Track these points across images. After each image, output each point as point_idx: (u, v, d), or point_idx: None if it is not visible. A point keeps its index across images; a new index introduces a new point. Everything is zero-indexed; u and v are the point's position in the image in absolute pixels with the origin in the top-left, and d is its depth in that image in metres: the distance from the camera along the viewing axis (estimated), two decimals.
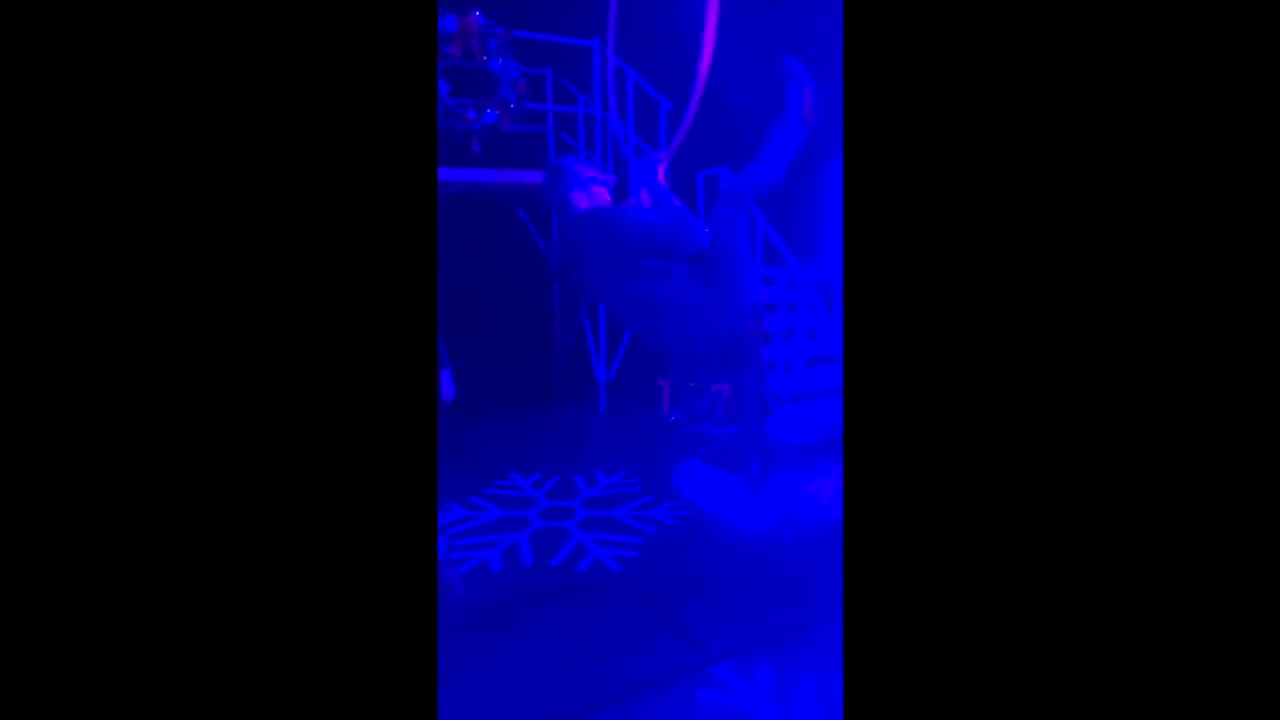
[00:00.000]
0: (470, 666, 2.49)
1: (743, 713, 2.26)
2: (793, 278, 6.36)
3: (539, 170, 5.75)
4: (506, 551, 3.38)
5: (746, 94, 6.23)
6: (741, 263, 2.39)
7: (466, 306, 4.40)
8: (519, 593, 3.04)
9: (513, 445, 5.01)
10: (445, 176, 5.15)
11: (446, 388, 2.73)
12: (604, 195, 2.53)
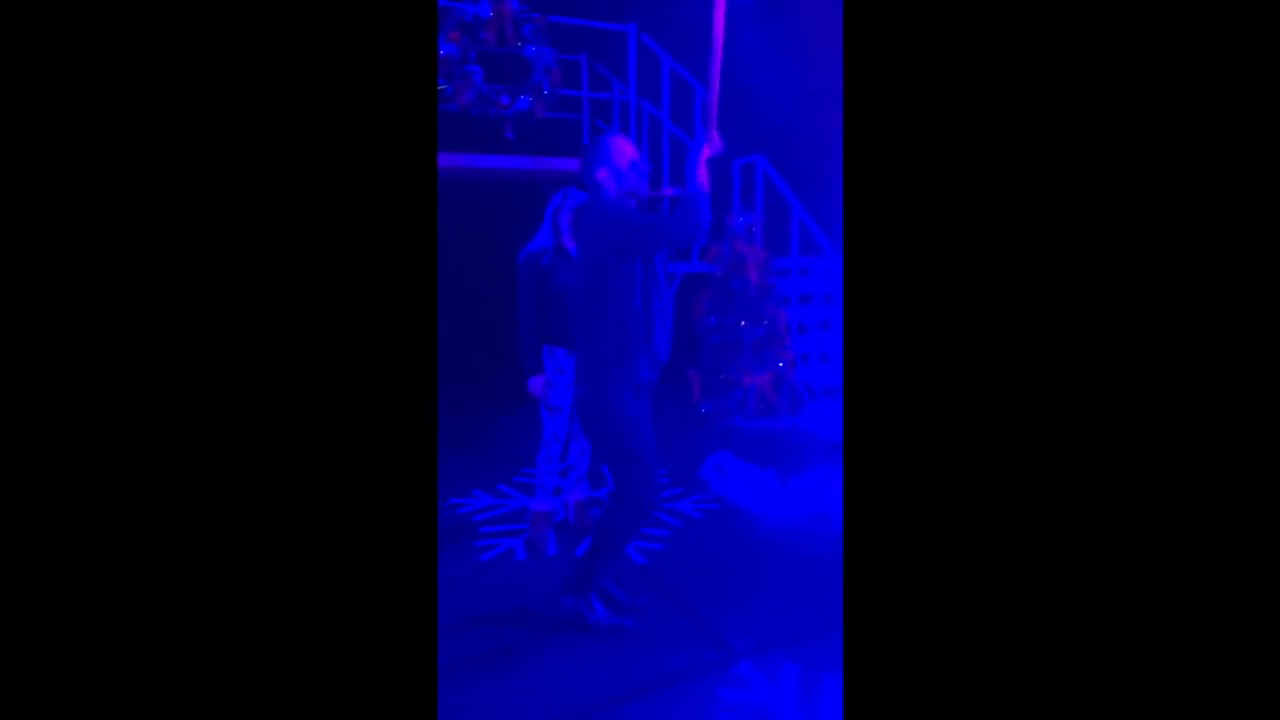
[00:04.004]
0: (489, 657, 2.47)
1: (764, 711, 2.20)
2: (828, 267, 6.23)
3: (574, 158, 5.71)
4: (530, 541, 3.36)
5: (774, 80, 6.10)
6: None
7: (500, 292, 4.38)
8: (542, 582, 3.02)
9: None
10: (478, 163, 5.12)
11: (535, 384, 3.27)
12: (637, 181, 2.50)
